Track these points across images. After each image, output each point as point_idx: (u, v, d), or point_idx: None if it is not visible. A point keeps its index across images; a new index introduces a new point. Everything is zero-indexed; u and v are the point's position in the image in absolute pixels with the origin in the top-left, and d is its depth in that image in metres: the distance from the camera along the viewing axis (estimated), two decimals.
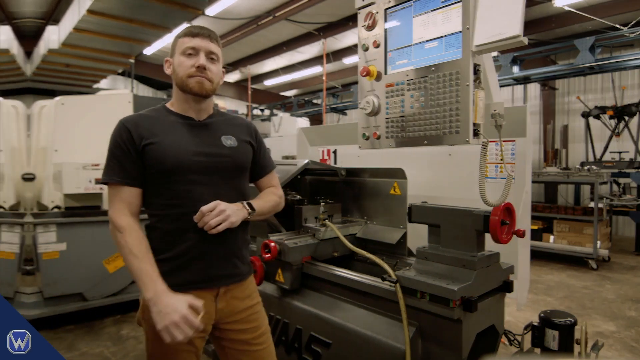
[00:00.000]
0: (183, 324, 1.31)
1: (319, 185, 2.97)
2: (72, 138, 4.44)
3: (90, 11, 5.72)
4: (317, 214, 2.52)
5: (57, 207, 4.53)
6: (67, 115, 4.50)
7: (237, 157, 1.62)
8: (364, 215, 2.66)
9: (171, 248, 1.50)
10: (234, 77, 14.81)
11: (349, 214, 2.75)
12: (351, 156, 3.30)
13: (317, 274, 2.21)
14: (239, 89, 15.21)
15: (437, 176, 2.67)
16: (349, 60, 11.30)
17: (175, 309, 1.32)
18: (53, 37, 7.40)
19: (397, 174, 2.44)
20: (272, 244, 2.23)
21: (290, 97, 14.83)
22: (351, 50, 10.74)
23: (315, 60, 11.94)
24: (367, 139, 2.08)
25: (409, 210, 2.05)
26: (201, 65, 1.51)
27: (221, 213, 1.44)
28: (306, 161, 2.57)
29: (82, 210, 4.24)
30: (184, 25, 5.93)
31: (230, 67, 13.22)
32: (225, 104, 15.90)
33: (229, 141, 1.62)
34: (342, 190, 2.79)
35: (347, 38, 10.07)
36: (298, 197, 2.66)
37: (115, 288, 4.17)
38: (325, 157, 3.58)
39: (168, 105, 1.63)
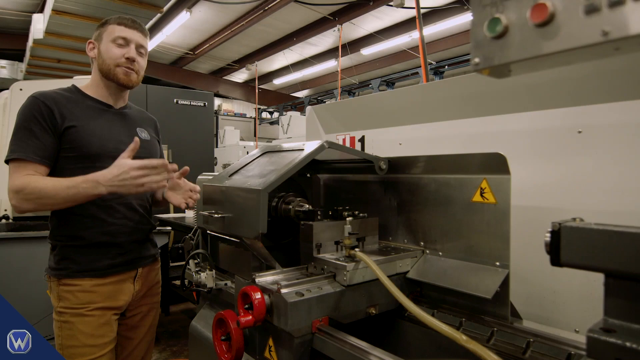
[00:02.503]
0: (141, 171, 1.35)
1: (341, 189, 1.85)
2: None
3: None
4: (338, 237, 1.45)
5: (5, 216, 3.99)
6: None
7: (151, 151, 1.70)
8: (420, 240, 1.53)
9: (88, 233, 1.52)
10: (241, 76, 13.78)
11: (393, 236, 1.62)
12: (389, 144, 2.16)
13: (342, 357, 1.11)
14: (247, 89, 14.17)
15: (555, 171, 1.51)
16: (367, 51, 10.10)
17: (123, 165, 1.34)
18: (38, 26, 6.99)
19: (490, 164, 1.30)
20: (257, 294, 1.20)
21: (301, 98, 13.71)
22: (371, 39, 9.54)
23: (329, 54, 10.83)
24: (503, 31, 0.61)
25: (556, 237, 0.86)
26: (131, 58, 1.56)
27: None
28: (319, 142, 1.45)
29: (35, 222, 3.58)
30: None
31: (237, 64, 12.15)
32: (233, 106, 14.89)
33: (143, 134, 1.70)
34: (380, 196, 1.67)
35: (366, 23, 8.88)
36: (306, 206, 1.53)
37: None
38: None
39: (82, 88, 1.61)
